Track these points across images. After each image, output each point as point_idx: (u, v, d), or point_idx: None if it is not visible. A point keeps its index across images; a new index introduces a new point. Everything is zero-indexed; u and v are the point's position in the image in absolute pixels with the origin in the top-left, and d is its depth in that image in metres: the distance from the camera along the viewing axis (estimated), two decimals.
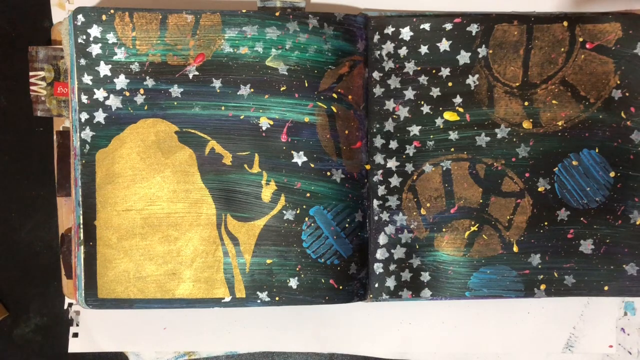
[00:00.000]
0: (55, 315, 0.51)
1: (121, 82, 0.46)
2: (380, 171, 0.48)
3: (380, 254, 0.48)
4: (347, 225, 0.47)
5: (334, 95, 0.46)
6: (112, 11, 0.45)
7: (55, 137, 0.48)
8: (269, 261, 0.46)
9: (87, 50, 0.45)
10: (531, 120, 0.48)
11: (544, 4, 0.49)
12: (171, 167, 0.46)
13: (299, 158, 0.46)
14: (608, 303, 0.50)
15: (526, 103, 0.48)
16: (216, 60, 0.46)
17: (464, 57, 0.48)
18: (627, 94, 0.47)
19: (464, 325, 0.50)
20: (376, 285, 0.48)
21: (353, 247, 0.47)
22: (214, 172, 0.46)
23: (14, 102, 0.51)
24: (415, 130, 0.48)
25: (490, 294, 0.47)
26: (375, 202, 0.48)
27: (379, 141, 0.48)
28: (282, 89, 0.46)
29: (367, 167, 0.48)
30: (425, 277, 0.48)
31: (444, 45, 0.48)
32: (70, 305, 0.50)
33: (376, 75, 0.48)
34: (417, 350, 0.50)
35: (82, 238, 0.46)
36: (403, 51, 0.48)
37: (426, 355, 0.50)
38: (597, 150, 0.47)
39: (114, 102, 0.46)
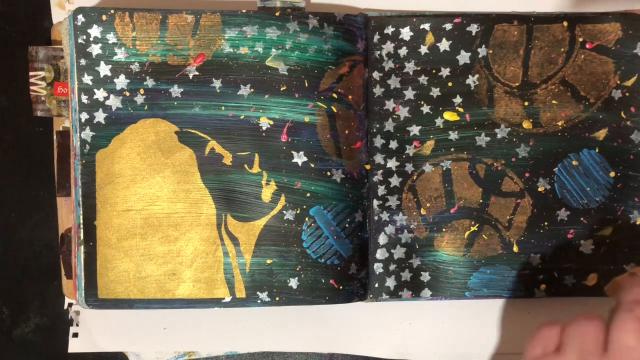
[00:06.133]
0: (55, 315, 0.50)
1: (121, 82, 0.46)
2: (380, 171, 0.48)
3: (380, 254, 0.48)
4: (347, 225, 0.47)
5: (334, 95, 0.46)
6: (112, 11, 0.45)
7: (55, 137, 0.48)
8: (269, 261, 0.46)
9: (87, 50, 0.45)
10: (531, 120, 0.48)
11: (544, 4, 0.49)
12: (171, 167, 0.46)
13: (299, 158, 0.46)
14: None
15: (526, 103, 0.48)
16: (216, 60, 0.46)
17: (464, 57, 0.48)
18: (627, 94, 0.47)
19: (464, 325, 0.50)
20: (376, 285, 0.48)
21: (353, 247, 0.47)
22: (214, 172, 0.46)
23: (14, 102, 0.51)
24: (415, 130, 0.48)
25: (490, 294, 0.48)
26: (375, 202, 0.48)
27: (379, 141, 0.48)
28: (282, 89, 0.46)
29: (367, 167, 0.48)
30: (425, 277, 0.48)
31: (444, 45, 0.48)
32: (70, 305, 0.50)
33: (376, 75, 0.48)
34: (417, 350, 0.50)
35: (82, 238, 0.46)
36: (403, 51, 0.48)
37: (426, 355, 0.50)
38: (597, 150, 0.47)
39: (114, 102, 0.46)
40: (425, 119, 0.48)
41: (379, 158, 0.48)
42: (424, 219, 0.48)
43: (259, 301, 0.46)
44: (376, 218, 0.48)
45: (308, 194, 0.46)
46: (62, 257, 0.48)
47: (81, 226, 0.46)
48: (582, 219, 0.47)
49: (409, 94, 0.48)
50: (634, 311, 0.36)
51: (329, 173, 0.46)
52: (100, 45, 0.45)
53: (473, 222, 0.48)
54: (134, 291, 0.46)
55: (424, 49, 0.48)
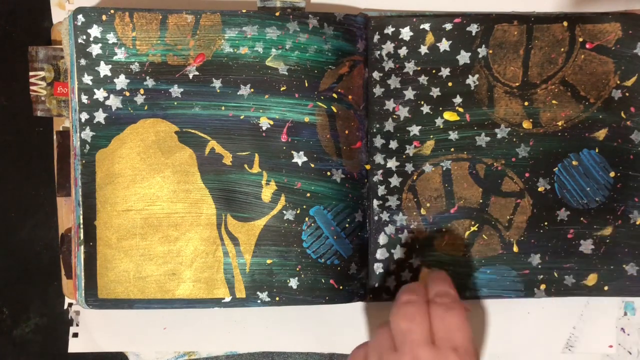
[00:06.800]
0: (55, 315, 0.51)
1: (121, 82, 0.46)
2: (380, 171, 0.48)
3: (380, 254, 0.48)
4: (347, 225, 0.47)
5: (334, 95, 0.46)
6: (112, 11, 0.45)
7: (55, 137, 0.48)
8: (269, 261, 0.46)
9: (87, 50, 0.45)
10: (531, 120, 0.48)
11: (544, 4, 0.49)
12: (171, 167, 0.46)
13: (299, 158, 0.46)
14: (608, 303, 0.50)
15: (526, 103, 0.48)
16: (216, 60, 0.46)
17: (464, 57, 0.48)
18: (627, 94, 0.47)
19: None
20: (376, 285, 0.48)
21: (353, 247, 0.47)
22: (214, 172, 0.46)
23: (14, 102, 0.51)
24: (415, 130, 0.48)
25: (490, 294, 0.47)
26: (375, 202, 0.48)
27: (379, 141, 0.48)
28: (282, 89, 0.46)
29: (367, 167, 0.48)
30: None
31: (444, 45, 0.48)
32: (70, 305, 0.50)
33: (376, 75, 0.48)
34: None
35: (82, 238, 0.46)
36: (403, 51, 0.48)
37: None
38: (597, 150, 0.47)
39: (114, 102, 0.46)
40: (425, 119, 0.48)
41: (379, 158, 0.48)
42: (424, 219, 0.48)
43: (259, 301, 0.46)
44: (376, 218, 0.48)
45: (308, 194, 0.46)
46: (62, 257, 0.48)
47: (81, 226, 0.46)
48: (582, 219, 0.47)
49: (409, 94, 0.48)
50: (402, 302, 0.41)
51: (329, 173, 0.46)
52: (100, 45, 0.45)
53: (473, 222, 0.48)
54: (134, 291, 0.46)
55: (424, 49, 0.48)
